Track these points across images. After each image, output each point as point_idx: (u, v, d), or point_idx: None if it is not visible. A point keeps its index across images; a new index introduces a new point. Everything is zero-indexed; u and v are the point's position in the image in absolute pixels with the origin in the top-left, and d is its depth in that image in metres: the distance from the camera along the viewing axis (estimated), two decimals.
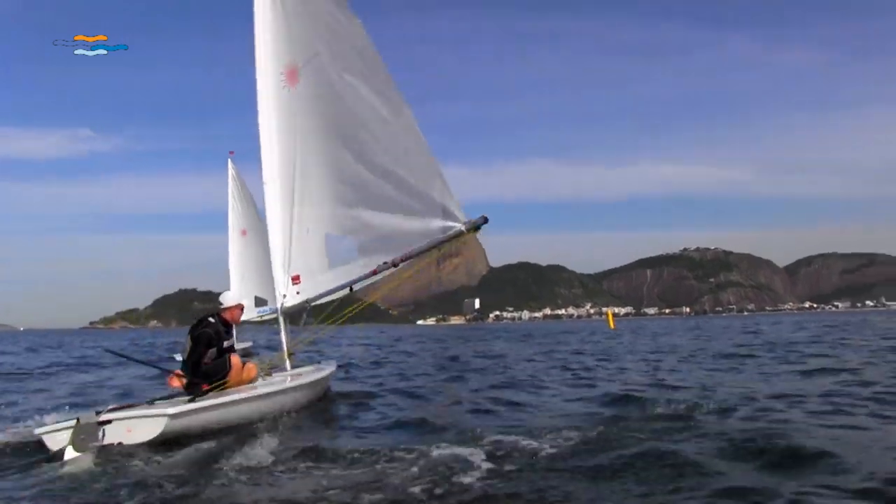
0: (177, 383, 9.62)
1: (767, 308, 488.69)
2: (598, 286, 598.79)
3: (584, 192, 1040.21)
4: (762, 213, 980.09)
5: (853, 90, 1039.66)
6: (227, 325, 10.10)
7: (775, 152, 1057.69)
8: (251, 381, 10.15)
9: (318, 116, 12.04)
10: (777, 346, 23.99)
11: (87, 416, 7.73)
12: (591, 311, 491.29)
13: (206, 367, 9.57)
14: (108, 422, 7.80)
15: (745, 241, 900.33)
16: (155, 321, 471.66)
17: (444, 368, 19.70)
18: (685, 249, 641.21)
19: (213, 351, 9.67)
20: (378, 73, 11.33)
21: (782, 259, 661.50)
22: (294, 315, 12.30)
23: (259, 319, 28.15)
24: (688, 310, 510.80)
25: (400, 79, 12.39)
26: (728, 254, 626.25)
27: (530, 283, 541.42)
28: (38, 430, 7.75)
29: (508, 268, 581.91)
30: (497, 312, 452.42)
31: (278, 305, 12.07)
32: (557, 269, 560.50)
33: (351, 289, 11.56)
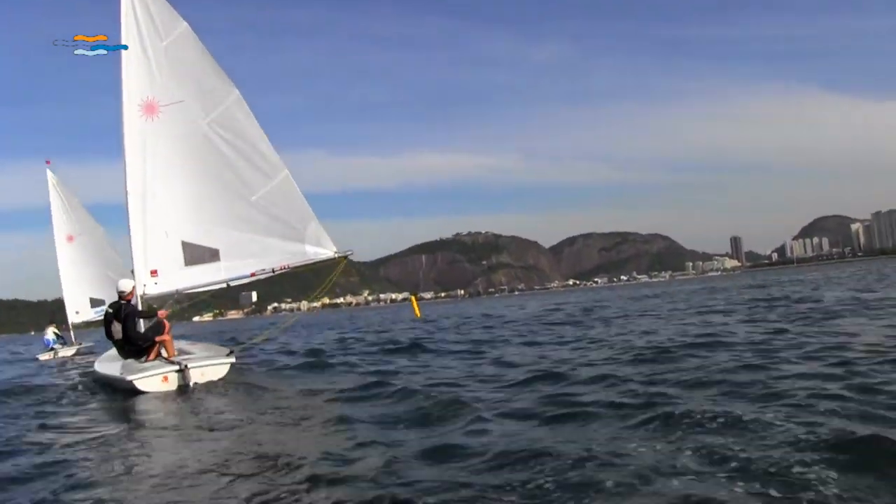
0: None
1: (536, 287, 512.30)
2: (375, 273, 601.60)
3: (357, 182, 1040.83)
4: (528, 198, 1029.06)
5: (602, 84, 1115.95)
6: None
7: (536, 141, 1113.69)
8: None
9: (178, 149, 15.16)
10: None
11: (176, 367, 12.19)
12: (370, 298, 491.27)
13: (147, 332, 13.54)
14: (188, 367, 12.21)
15: (513, 224, 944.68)
16: None
17: None
18: (458, 234, 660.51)
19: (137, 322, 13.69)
20: (254, 134, 15.32)
21: (548, 240, 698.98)
22: (160, 302, 15.11)
23: (98, 319, 28.31)
24: (462, 292, 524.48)
25: None
26: (498, 237, 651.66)
27: (308, 273, 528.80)
28: (129, 377, 11.89)
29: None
30: (275, 304, 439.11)
31: (139, 295, 14.55)
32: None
33: (228, 285, 15.44)
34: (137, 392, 11.70)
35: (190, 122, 15.18)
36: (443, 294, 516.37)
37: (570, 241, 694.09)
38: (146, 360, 13.08)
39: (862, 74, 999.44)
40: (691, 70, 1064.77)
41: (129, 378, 11.99)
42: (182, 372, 12.10)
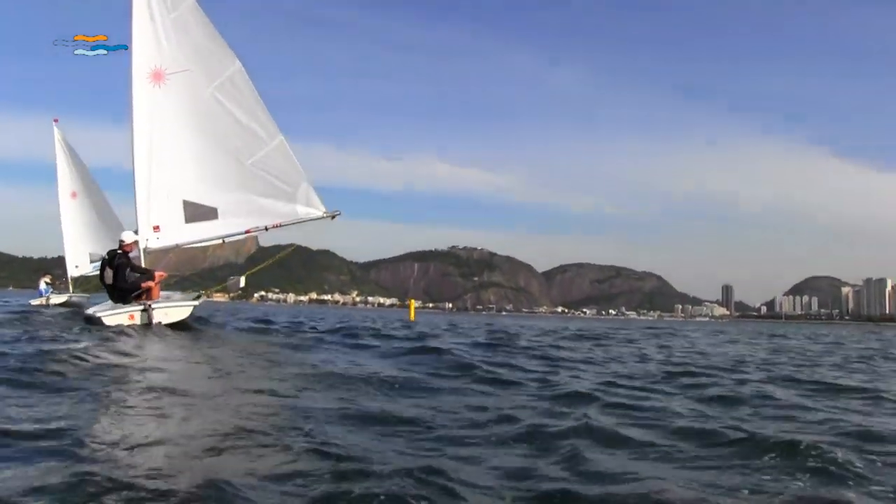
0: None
1: (524, 309, 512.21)
2: (366, 275, 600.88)
3: (358, 180, 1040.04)
4: (527, 220, 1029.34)
5: (614, 116, 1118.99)
6: (128, 254, 15.31)
7: (542, 164, 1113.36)
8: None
9: (182, 115, 16.50)
10: None
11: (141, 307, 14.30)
12: (357, 298, 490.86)
13: (133, 282, 14.90)
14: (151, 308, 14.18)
15: (509, 244, 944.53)
16: None
17: None
18: (453, 247, 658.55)
19: (128, 271, 15.02)
20: (253, 103, 16.65)
21: (541, 264, 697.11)
22: (160, 255, 16.76)
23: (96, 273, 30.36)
24: (450, 305, 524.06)
25: None
26: (493, 255, 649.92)
27: (299, 266, 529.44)
28: (99, 314, 13.88)
29: (278, 249, 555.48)
30: (262, 293, 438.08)
31: (142, 248, 16.02)
32: (327, 255, 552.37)
33: (224, 241, 16.89)
34: (107, 326, 13.29)
35: (194, 90, 16.57)
36: (430, 304, 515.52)
37: (564, 268, 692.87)
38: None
39: (868, 144, 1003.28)
40: (704, 115, 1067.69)
41: (98, 314, 13.82)
42: (146, 311, 14.01)
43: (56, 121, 34.02)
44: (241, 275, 17.72)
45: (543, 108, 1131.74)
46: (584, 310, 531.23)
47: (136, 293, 14.90)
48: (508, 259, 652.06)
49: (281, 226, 16.65)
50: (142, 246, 16.07)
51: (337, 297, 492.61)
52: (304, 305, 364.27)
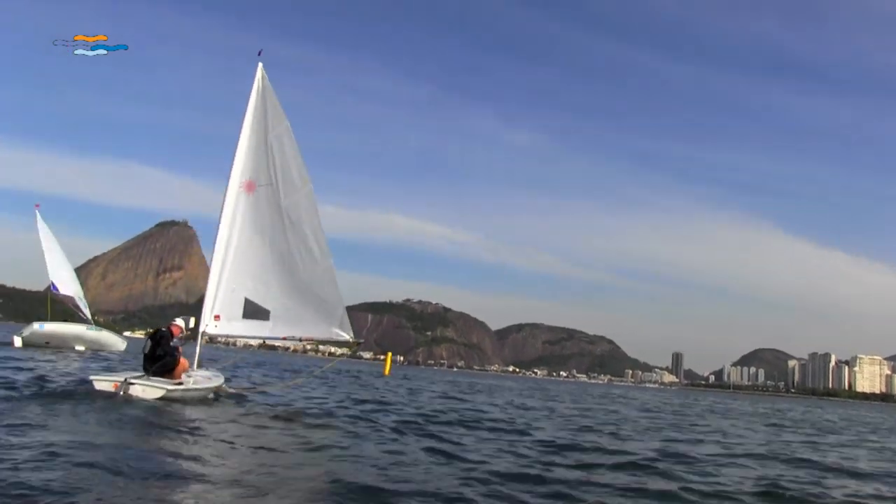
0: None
1: (475, 367, 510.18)
2: None
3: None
4: (483, 278, 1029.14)
5: (572, 180, 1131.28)
6: (173, 335, 16.89)
7: (500, 223, 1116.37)
8: (184, 370, 16.78)
9: (259, 224, 18.90)
10: None
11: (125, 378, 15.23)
12: (308, 346, 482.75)
13: (160, 355, 16.49)
14: (132, 384, 15.01)
15: (464, 300, 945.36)
16: None
17: None
18: (408, 300, 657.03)
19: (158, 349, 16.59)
20: (316, 224, 18.91)
21: (495, 323, 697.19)
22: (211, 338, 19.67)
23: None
24: (402, 358, 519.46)
25: None
26: (447, 310, 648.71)
27: None
28: (92, 377, 15.29)
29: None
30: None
31: (201, 331, 18.40)
32: None
33: (264, 341, 19.62)
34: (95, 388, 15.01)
35: (273, 204, 18.80)
36: (381, 356, 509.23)
37: (518, 327, 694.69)
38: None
39: (814, 220, 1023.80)
40: (659, 184, 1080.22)
41: (90, 377, 15.42)
42: (125, 383, 15.07)
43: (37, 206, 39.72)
44: (190, 315, 19.00)
45: (503, 168, 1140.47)
46: (536, 370, 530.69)
47: (160, 365, 16.32)
48: (462, 315, 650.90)
49: (313, 340, 19.66)
50: (201, 329, 18.28)
51: (287, 343, 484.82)
52: (252, 350, 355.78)
